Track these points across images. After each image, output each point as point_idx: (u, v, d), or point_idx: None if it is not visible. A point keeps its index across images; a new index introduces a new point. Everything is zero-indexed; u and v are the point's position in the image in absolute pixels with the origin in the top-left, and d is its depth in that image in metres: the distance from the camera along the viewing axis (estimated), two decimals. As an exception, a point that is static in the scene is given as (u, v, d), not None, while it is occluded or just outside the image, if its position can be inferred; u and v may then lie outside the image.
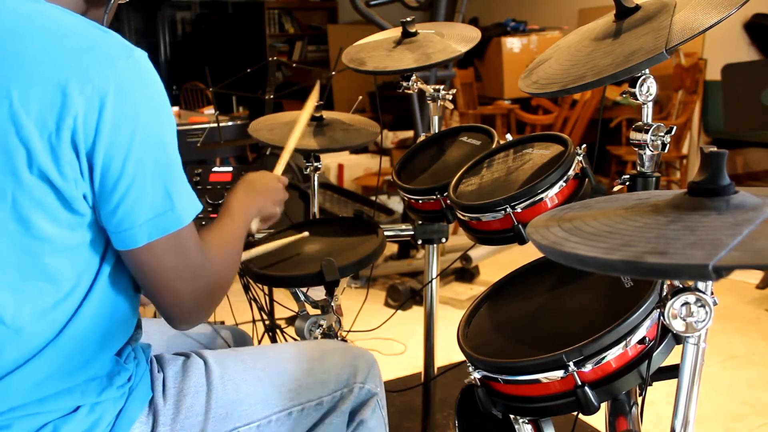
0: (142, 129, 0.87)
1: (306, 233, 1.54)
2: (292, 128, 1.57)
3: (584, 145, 1.23)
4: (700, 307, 0.73)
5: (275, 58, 2.89)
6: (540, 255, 0.79)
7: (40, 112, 0.82)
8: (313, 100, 1.61)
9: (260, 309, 1.77)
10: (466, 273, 3.48)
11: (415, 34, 1.67)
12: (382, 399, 1.20)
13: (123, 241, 0.90)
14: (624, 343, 0.91)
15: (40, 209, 0.85)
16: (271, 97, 2.84)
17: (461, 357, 1.05)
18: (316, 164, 1.77)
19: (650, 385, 0.94)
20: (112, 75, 0.84)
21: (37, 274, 0.88)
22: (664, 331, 0.93)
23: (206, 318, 1.04)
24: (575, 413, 0.96)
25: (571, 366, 0.91)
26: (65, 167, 0.84)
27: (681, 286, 0.74)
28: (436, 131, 1.74)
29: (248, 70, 2.63)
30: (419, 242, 1.73)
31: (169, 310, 0.98)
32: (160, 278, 0.93)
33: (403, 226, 1.74)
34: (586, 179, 1.23)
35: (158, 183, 0.89)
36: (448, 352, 2.38)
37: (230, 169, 1.80)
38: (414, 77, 1.69)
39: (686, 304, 0.73)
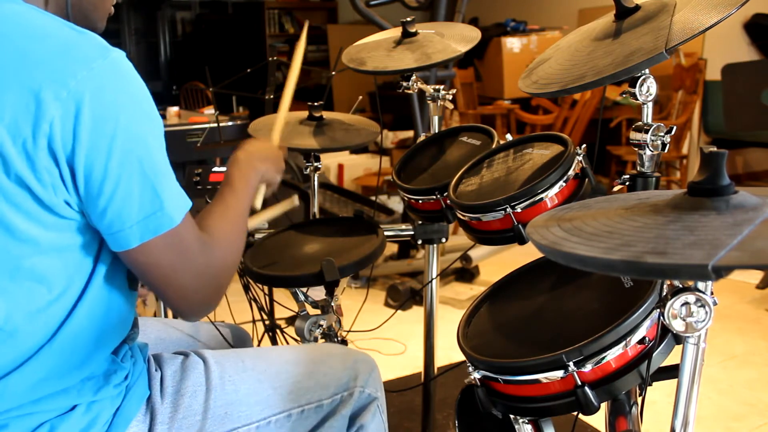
0: (123, 130, 0.85)
1: (295, 198, 1.49)
2: (291, 126, 1.55)
3: (584, 145, 1.23)
4: (700, 307, 0.73)
5: (275, 58, 2.89)
6: (540, 255, 0.79)
7: (14, 119, 0.81)
8: (302, 45, 1.53)
9: (260, 309, 1.77)
10: (466, 273, 3.48)
11: (415, 34, 1.67)
12: (382, 404, 1.19)
13: (116, 242, 0.89)
14: (624, 343, 0.91)
15: (21, 213, 0.84)
16: (271, 97, 2.84)
17: (461, 357, 1.05)
18: (316, 164, 1.77)
19: (650, 385, 0.94)
20: (89, 77, 0.83)
21: (25, 275, 0.87)
22: (664, 331, 0.93)
23: (215, 306, 1.03)
24: (575, 413, 0.96)
25: (571, 366, 0.91)
26: (42, 174, 0.83)
27: (681, 286, 0.74)
28: (436, 131, 1.74)
29: (248, 70, 2.62)
30: (419, 242, 1.72)
31: (176, 305, 0.97)
32: (161, 275, 0.93)
33: (403, 226, 1.74)
34: (586, 179, 1.23)
35: (145, 183, 0.88)
36: (448, 352, 2.38)
37: (230, 169, 1.79)
38: (414, 77, 1.69)
39: (686, 304, 0.73)
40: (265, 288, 1.83)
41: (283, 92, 1.49)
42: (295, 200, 1.46)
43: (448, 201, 1.36)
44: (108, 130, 0.84)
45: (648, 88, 1.06)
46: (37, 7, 0.90)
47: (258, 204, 1.26)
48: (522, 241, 1.19)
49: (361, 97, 2.50)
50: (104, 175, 0.85)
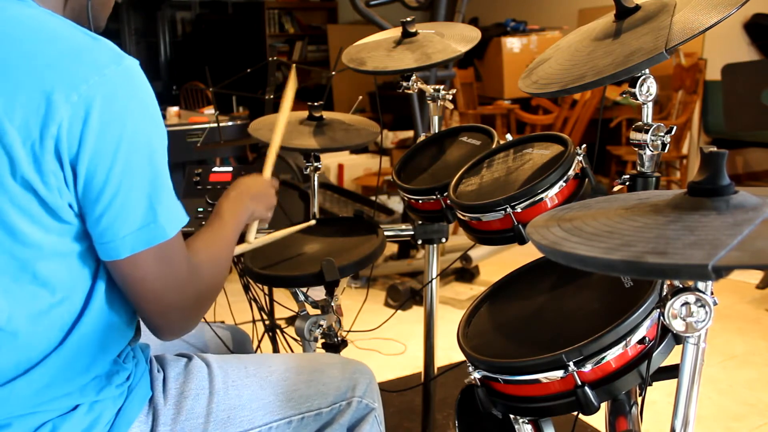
0: (129, 138, 0.85)
1: (313, 221, 1.53)
2: (291, 126, 1.55)
3: (584, 145, 1.23)
4: (700, 307, 0.73)
5: (275, 58, 2.89)
6: (540, 255, 0.79)
7: (24, 119, 0.81)
8: (291, 89, 1.56)
9: (260, 309, 1.77)
10: (466, 273, 3.48)
11: (415, 34, 1.67)
12: (380, 414, 1.20)
13: (106, 252, 0.89)
14: (624, 343, 0.91)
15: (25, 216, 0.84)
16: (271, 97, 2.84)
17: (461, 357, 1.05)
18: (316, 164, 1.77)
19: (650, 385, 0.94)
20: (101, 83, 0.83)
21: (29, 278, 0.87)
22: (664, 331, 0.93)
23: (192, 328, 1.03)
24: (575, 413, 0.96)
25: (571, 366, 0.91)
26: (49, 176, 0.83)
27: (681, 286, 0.74)
28: (436, 131, 1.74)
29: (248, 70, 2.62)
30: (419, 242, 1.72)
31: (155, 321, 0.97)
32: (145, 290, 0.92)
33: (403, 226, 1.74)
34: (586, 179, 1.23)
35: (143, 194, 0.88)
36: (448, 352, 2.38)
37: (230, 169, 1.80)
38: (414, 77, 1.69)
39: (686, 304, 0.73)
40: (265, 288, 1.83)
41: (275, 129, 1.49)
42: (313, 222, 1.49)
43: (448, 201, 1.36)
44: (114, 137, 0.84)
45: (648, 88, 1.06)
46: (52, 11, 0.91)
47: (251, 238, 1.29)
48: (522, 241, 1.19)
49: (361, 97, 2.50)
50: (105, 181, 0.85)
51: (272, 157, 1.43)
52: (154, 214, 0.89)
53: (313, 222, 1.51)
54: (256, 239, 1.32)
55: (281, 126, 1.48)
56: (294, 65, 1.65)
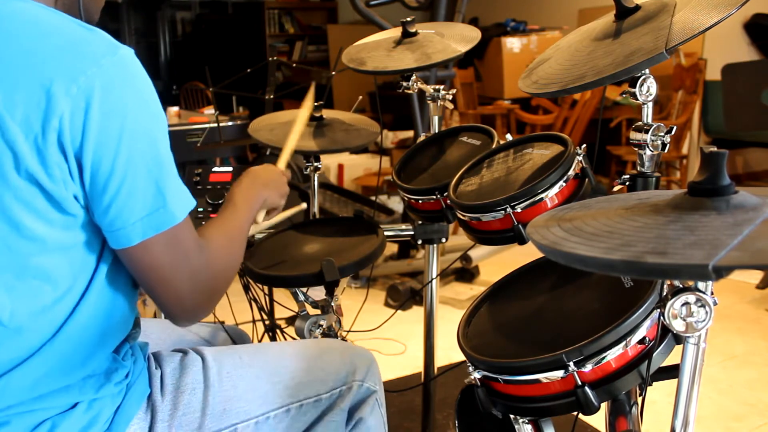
0: (130, 126, 0.86)
1: (303, 205, 1.53)
2: (291, 127, 1.56)
3: (584, 145, 1.23)
4: (700, 307, 0.73)
5: (275, 58, 2.89)
6: (540, 255, 0.79)
7: (25, 114, 0.82)
8: (309, 101, 1.60)
9: (260, 309, 1.77)
10: (466, 273, 3.48)
11: (415, 34, 1.67)
12: (381, 397, 1.20)
13: (117, 240, 0.89)
14: (624, 343, 0.91)
15: (30, 211, 0.85)
16: (271, 97, 2.84)
17: (461, 357, 1.05)
18: (316, 164, 1.77)
19: (650, 385, 0.94)
20: (98, 73, 0.84)
21: (32, 273, 0.87)
22: (664, 331, 0.93)
23: (208, 313, 1.03)
24: (575, 413, 0.96)
25: (571, 366, 0.91)
26: (53, 169, 0.84)
27: (681, 286, 0.74)
28: (436, 131, 1.74)
29: (248, 70, 2.62)
30: (419, 242, 1.72)
31: (170, 307, 0.97)
32: (158, 276, 0.93)
33: (403, 226, 1.74)
34: (586, 179, 1.23)
35: (149, 180, 0.88)
36: (448, 352, 2.38)
37: (230, 169, 1.80)
38: (414, 77, 1.69)
39: (686, 304, 0.73)
40: (265, 288, 1.83)
41: (294, 124, 1.51)
42: (303, 205, 1.49)
43: (448, 201, 1.36)
44: (116, 127, 0.85)
45: (648, 88, 1.06)
46: (45, 5, 0.91)
47: (260, 219, 1.28)
48: (522, 241, 1.19)
49: (361, 97, 2.50)
50: (111, 171, 0.86)
51: (288, 150, 1.43)
52: (163, 199, 0.90)
53: (303, 205, 1.51)
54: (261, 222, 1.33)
55: (300, 128, 1.50)
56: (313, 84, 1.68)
